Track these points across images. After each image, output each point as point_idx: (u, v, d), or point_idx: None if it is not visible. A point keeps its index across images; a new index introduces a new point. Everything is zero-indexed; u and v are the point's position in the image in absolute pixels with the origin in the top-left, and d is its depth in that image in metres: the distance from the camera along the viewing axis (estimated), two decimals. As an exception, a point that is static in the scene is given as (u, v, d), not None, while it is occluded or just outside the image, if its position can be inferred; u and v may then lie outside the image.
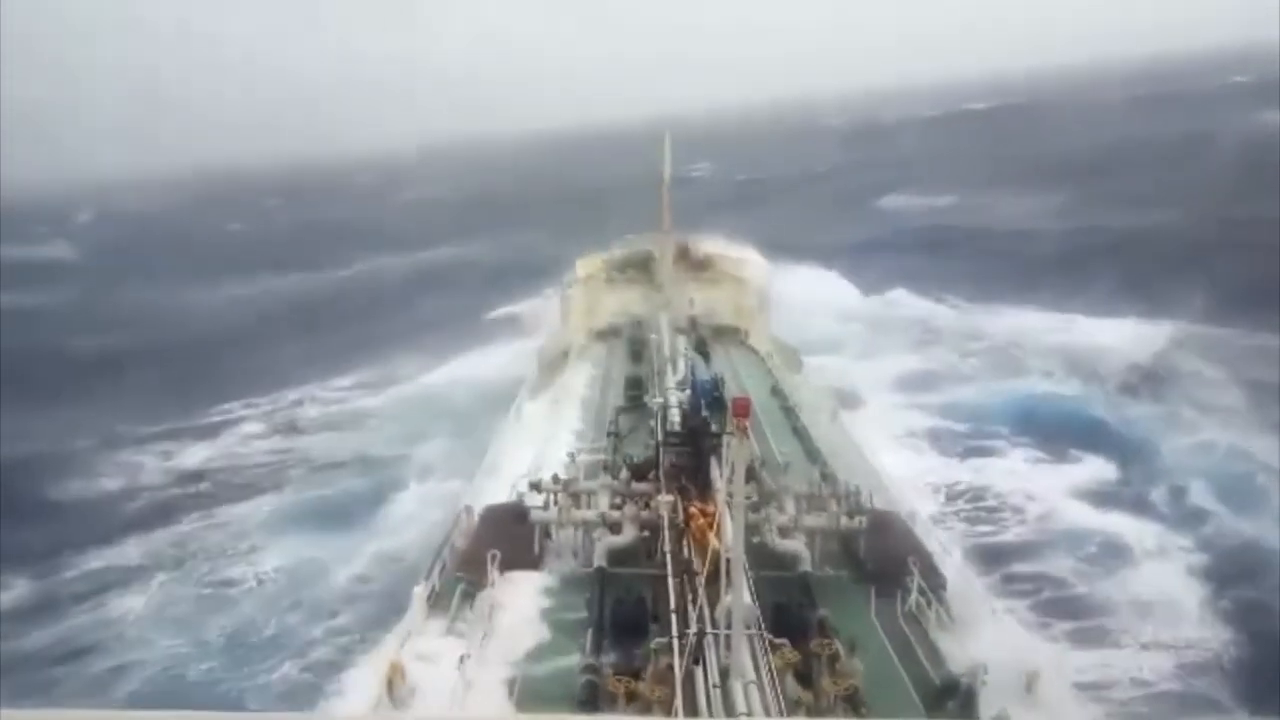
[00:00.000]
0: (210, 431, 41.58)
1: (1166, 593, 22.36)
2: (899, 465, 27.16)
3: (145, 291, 79.06)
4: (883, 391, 37.19)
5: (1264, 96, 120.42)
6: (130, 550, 29.51)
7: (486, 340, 47.21)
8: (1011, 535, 25.83)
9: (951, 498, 27.95)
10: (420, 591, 14.36)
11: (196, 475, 36.43)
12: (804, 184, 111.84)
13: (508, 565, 14.76)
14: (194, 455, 38.80)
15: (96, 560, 28.89)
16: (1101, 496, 27.31)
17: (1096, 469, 28.92)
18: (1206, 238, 52.80)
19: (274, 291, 75.78)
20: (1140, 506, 26.58)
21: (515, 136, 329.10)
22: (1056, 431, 31.35)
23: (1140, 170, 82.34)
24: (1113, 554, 24.24)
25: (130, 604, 25.81)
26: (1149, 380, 35.48)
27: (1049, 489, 27.83)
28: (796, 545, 15.14)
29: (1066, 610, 22.17)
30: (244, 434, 41.19)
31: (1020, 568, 23.99)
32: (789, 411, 24.67)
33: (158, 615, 25.16)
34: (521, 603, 14.22)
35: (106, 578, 27.72)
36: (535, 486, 16.54)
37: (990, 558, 24.12)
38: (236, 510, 32.08)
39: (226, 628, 24.02)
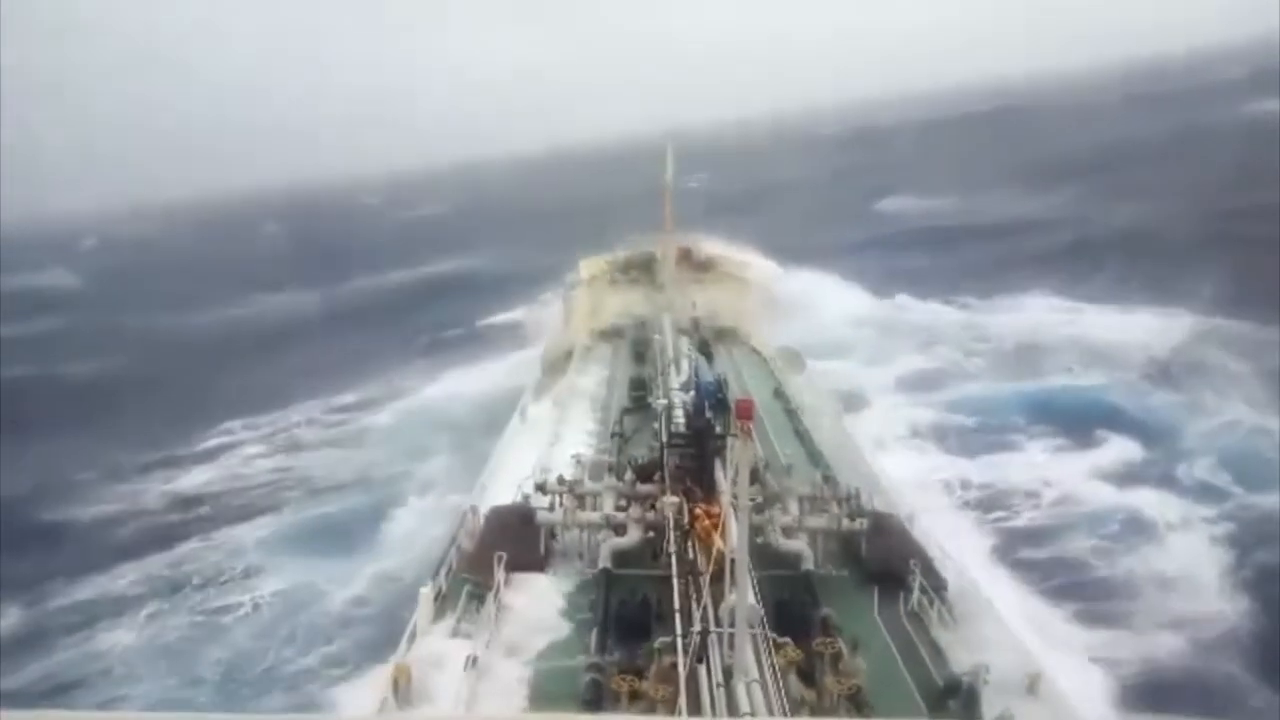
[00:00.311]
0: (211, 453, 41.02)
1: (1190, 567, 22.61)
2: (919, 463, 27.69)
3: (148, 314, 78.65)
4: (899, 391, 36.96)
5: (1264, 88, 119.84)
6: (126, 576, 28.83)
7: (488, 351, 46.98)
8: (1035, 519, 25.95)
9: (968, 489, 27.93)
10: (427, 592, 14.37)
11: (197, 497, 35.83)
12: (808, 190, 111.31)
13: (514, 566, 14.79)
14: (194, 477, 38.29)
15: (91, 588, 28.21)
16: (1123, 477, 27.41)
17: (1119, 450, 29.03)
18: (1213, 231, 52.26)
19: (276, 311, 75.40)
20: (1164, 483, 26.81)
21: (516, 155, 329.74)
22: (1077, 421, 31.27)
23: (1144, 166, 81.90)
24: (1136, 530, 24.42)
25: (121, 636, 25.11)
26: (1167, 373, 35.25)
27: (1072, 474, 27.92)
28: (799, 545, 15.27)
29: (1091, 590, 22.22)
30: (245, 454, 40.61)
31: (1049, 551, 24.11)
32: (792, 413, 24.86)
33: (150, 643, 24.54)
34: (527, 604, 14.35)
35: (102, 605, 27.01)
36: (541, 488, 16.60)
37: (1016, 541, 24.35)
38: (236, 531, 31.44)
39: (222, 661, 23.41)
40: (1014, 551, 24.06)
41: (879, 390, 36.89)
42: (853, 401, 33.79)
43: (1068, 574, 23.11)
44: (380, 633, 20.48)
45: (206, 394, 49.15)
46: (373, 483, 33.72)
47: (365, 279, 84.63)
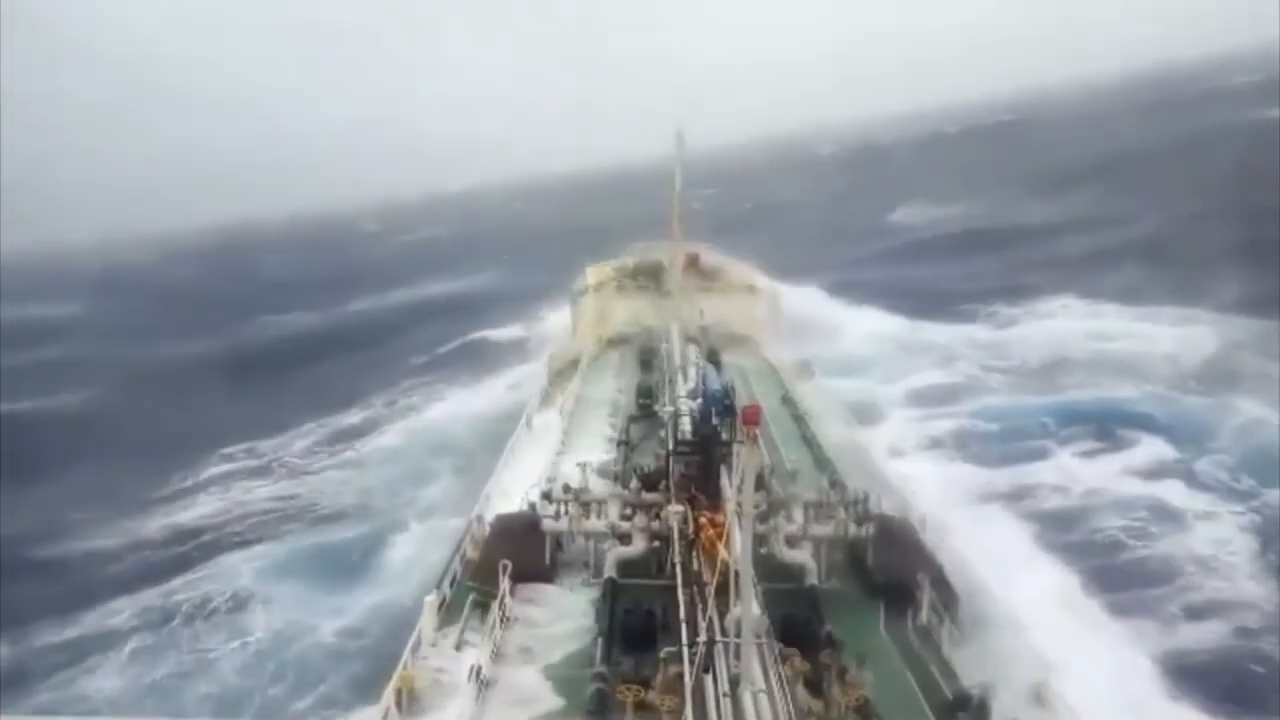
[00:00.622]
0: (212, 480, 40.21)
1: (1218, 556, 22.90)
2: (953, 470, 27.86)
3: (150, 342, 78.31)
4: (921, 404, 36.47)
5: (1268, 93, 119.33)
6: (123, 612, 27.89)
7: (491, 369, 46.60)
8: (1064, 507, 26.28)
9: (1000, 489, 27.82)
10: (431, 600, 14.32)
11: (198, 528, 34.94)
12: (815, 208, 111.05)
13: (519, 575, 14.74)
14: (196, 508, 37.45)
15: (84, 624, 27.27)
16: (1152, 474, 27.67)
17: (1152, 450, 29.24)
18: (1230, 234, 51.41)
19: (278, 336, 75.02)
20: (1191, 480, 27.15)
21: (516, 180, 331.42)
22: (1105, 424, 31.21)
23: (1158, 170, 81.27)
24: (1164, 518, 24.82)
25: (112, 671, 24.23)
26: (1198, 379, 34.89)
27: (1104, 473, 28.09)
28: (803, 557, 15.14)
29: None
30: (246, 482, 39.78)
31: (1079, 537, 24.32)
32: (799, 419, 24.99)
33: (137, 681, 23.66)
34: (532, 613, 14.39)
35: (94, 641, 26.12)
36: (546, 496, 16.54)
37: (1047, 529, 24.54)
38: (234, 557, 30.72)
39: (211, 697, 22.61)
40: (1045, 538, 24.01)
41: (899, 403, 36.28)
42: (870, 414, 33.19)
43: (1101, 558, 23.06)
44: (378, 665, 19.51)
45: (208, 420, 48.44)
46: (373, 509, 32.94)
47: (367, 301, 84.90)
